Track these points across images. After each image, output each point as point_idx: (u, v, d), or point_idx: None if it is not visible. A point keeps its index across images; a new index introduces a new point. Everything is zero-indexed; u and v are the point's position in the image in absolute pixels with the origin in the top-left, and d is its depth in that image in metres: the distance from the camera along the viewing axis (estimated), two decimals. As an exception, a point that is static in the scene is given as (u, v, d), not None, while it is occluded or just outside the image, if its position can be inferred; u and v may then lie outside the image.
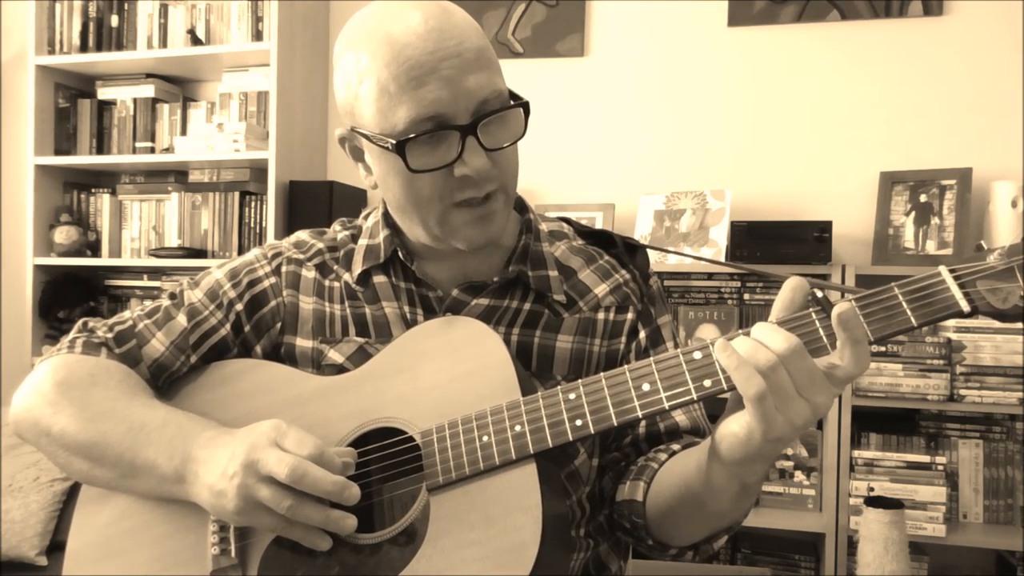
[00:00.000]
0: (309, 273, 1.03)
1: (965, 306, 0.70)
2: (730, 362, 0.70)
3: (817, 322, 0.73)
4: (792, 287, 0.74)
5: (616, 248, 1.04)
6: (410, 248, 1.00)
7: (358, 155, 0.96)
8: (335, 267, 1.03)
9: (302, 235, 1.08)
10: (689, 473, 0.84)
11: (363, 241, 1.03)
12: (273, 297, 1.02)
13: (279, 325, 1.02)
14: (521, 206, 1.04)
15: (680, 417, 0.97)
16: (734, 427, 0.73)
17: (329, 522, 0.80)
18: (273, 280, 1.03)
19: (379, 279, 1.00)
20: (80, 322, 1.02)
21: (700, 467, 0.81)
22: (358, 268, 1.01)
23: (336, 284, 1.02)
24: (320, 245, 1.05)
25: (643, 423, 0.96)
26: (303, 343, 1.01)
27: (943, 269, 0.72)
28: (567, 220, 1.09)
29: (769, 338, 0.70)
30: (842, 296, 0.73)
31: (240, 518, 0.82)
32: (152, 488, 0.88)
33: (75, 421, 0.90)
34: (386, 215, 1.01)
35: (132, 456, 0.87)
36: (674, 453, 0.92)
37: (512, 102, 0.89)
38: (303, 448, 0.79)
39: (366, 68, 0.86)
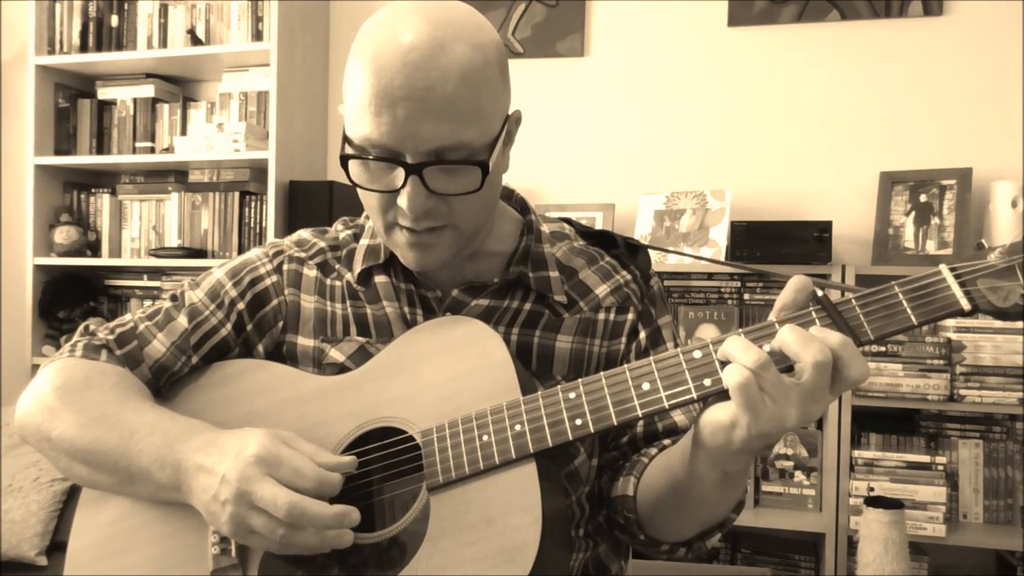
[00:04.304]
0: (311, 272, 1.03)
1: (966, 304, 0.70)
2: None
3: (817, 320, 0.73)
4: (796, 287, 0.75)
5: (617, 249, 1.04)
6: None
7: None
8: (336, 266, 1.03)
9: (304, 234, 1.08)
10: (674, 462, 0.84)
11: (364, 241, 1.03)
12: (275, 296, 1.02)
13: (281, 324, 1.02)
14: (523, 207, 1.04)
15: (679, 417, 0.97)
16: (720, 414, 0.73)
17: (325, 544, 0.79)
18: (275, 278, 1.03)
19: (380, 279, 1.00)
20: (82, 325, 1.02)
21: (684, 454, 0.81)
22: (359, 267, 1.01)
23: (338, 283, 1.02)
24: (322, 244, 1.05)
25: (641, 422, 0.97)
26: (304, 342, 1.01)
27: (943, 267, 0.72)
28: (568, 221, 1.09)
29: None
30: (842, 295, 0.73)
31: (235, 539, 0.82)
32: (152, 495, 0.88)
33: (72, 427, 0.89)
34: None
35: (127, 464, 0.87)
36: (665, 448, 0.92)
37: (475, 159, 0.84)
38: (300, 480, 0.77)
39: (353, 73, 0.85)
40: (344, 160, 0.85)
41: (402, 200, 0.84)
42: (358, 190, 0.90)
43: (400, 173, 0.83)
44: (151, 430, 0.87)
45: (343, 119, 0.90)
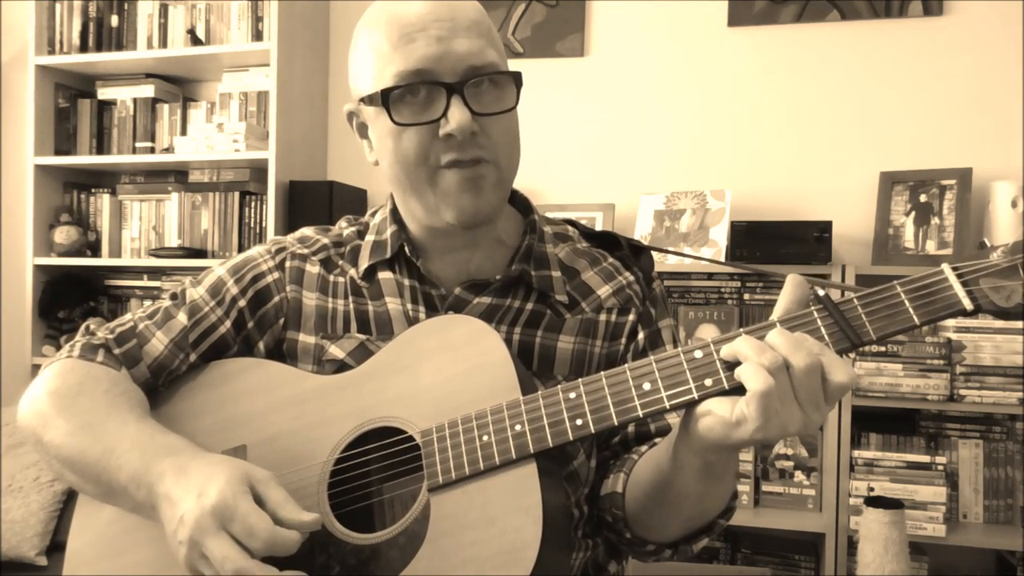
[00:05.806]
0: (313, 268, 1.03)
1: (968, 304, 0.70)
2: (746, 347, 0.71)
3: (819, 320, 0.73)
4: (794, 285, 0.74)
5: (621, 250, 1.04)
6: (416, 244, 1.00)
7: (363, 131, 0.98)
8: (340, 262, 1.03)
9: (307, 231, 1.08)
10: (660, 452, 0.84)
11: (370, 237, 1.03)
12: (276, 293, 1.02)
13: (282, 321, 1.02)
14: (526, 207, 1.04)
15: (673, 418, 0.97)
16: (723, 409, 0.72)
17: None
18: (277, 275, 1.02)
19: (384, 275, 1.00)
20: (83, 325, 1.02)
21: (670, 443, 0.81)
22: (364, 263, 1.01)
23: (341, 279, 1.02)
24: (325, 240, 1.05)
25: (633, 424, 0.96)
26: (305, 339, 1.00)
27: (946, 267, 0.71)
28: (572, 222, 1.09)
29: (787, 347, 0.70)
30: (842, 295, 0.73)
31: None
32: (133, 510, 0.87)
33: (61, 434, 0.89)
34: (393, 211, 1.01)
35: (108, 479, 0.86)
36: (655, 445, 0.92)
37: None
38: (251, 541, 0.74)
39: (367, 40, 0.91)
40: (385, 97, 0.87)
41: (445, 126, 0.87)
42: (396, 150, 0.90)
43: (441, 99, 0.87)
44: (131, 446, 0.85)
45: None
